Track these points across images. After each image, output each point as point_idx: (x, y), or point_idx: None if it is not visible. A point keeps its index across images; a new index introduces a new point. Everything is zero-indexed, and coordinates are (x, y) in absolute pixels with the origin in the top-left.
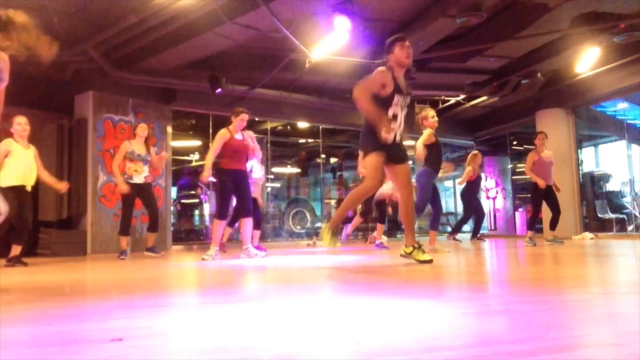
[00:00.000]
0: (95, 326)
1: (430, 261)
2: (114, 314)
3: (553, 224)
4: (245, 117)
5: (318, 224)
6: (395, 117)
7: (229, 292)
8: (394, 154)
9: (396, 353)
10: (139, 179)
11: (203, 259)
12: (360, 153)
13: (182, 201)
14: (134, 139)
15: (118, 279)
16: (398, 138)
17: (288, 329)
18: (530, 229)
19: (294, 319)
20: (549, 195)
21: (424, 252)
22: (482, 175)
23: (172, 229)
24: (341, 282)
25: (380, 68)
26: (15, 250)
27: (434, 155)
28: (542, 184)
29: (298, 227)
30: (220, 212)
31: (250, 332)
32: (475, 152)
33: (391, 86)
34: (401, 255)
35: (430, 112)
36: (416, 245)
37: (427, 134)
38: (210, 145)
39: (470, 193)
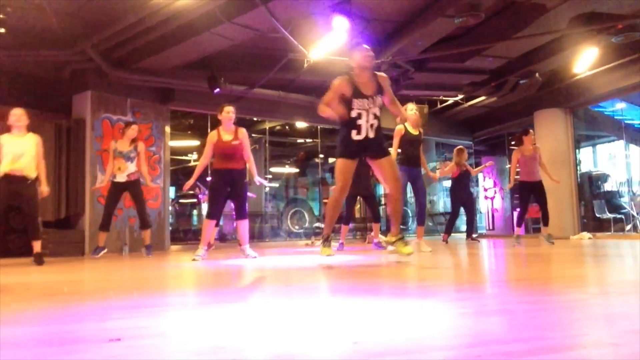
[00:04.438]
0: (93, 326)
1: (410, 254)
2: (112, 314)
3: (544, 220)
4: (228, 109)
5: (316, 224)
6: (359, 116)
7: (227, 292)
8: (372, 151)
9: (394, 353)
10: (121, 178)
11: (194, 260)
12: None
13: (180, 201)
14: (121, 138)
15: (116, 278)
16: (371, 135)
17: (286, 329)
18: (518, 225)
19: (292, 319)
20: (535, 191)
21: (406, 244)
22: (478, 173)
23: (170, 228)
24: (339, 282)
25: (338, 77)
26: (36, 246)
27: (405, 150)
28: (510, 185)
29: (296, 227)
30: (208, 212)
31: (248, 332)
32: (461, 147)
33: (349, 92)
34: (386, 242)
35: (409, 106)
36: (400, 236)
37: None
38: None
39: (456, 189)
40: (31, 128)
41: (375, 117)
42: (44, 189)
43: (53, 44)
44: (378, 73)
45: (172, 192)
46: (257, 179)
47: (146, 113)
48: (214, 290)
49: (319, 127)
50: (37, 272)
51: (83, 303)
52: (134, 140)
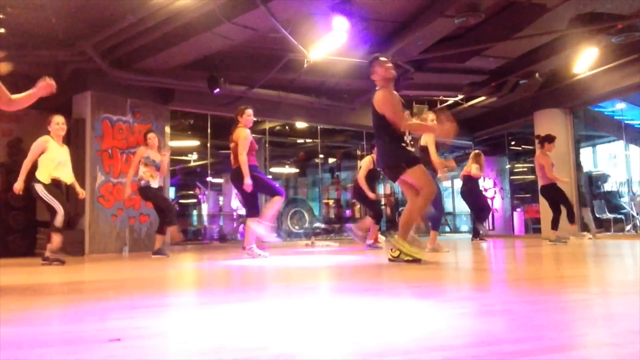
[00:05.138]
0: (93, 326)
1: (419, 260)
2: (112, 314)
3: (554, 224)
4: (251, 112)
5: (316, 224)
6: (405, 132)
7: (227, 292)
8: None
9: (395, 353)
10: (155, 184)
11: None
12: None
13: (180, 201)
14: (145, 145)
15: (116, 279)
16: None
17: (287, 329)
18: (555, 228)
19: (293, 319)
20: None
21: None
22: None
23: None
24: (339, 282)
25: (384, 91)
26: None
27: (427, 157)
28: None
29: (296, 227)
30: (254, 211)
31: (248, 332)
32: (478, 151)
33: (401, 104)
34: (389, 260)
35: (430, 116)
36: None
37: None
38: (207, 145)
39: (470, 190)
40: (31, 128)
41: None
42: (82, 191)
43: (53, 44)
44: None
45: (172, 192)
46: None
47: (146, 113)
48: (214, 290)
49: (319, 127)
50: (37, 272)
51: (83, 303)
52: (159, 149)
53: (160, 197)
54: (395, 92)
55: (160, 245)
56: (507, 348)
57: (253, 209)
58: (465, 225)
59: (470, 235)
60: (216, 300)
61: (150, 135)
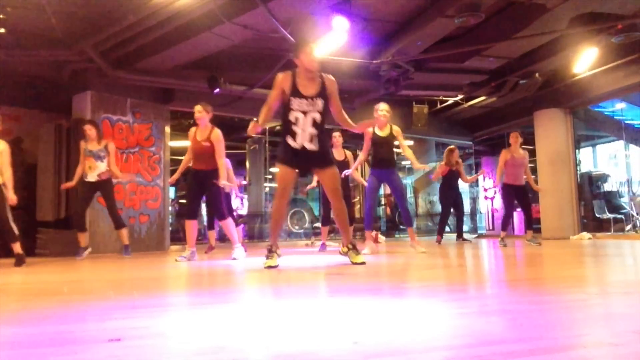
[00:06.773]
0: (93, 326)
1: (362, 263)
2: (112, 314)
3: (528, 224)
4: (196, 108)
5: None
6: (296, 120)
7: (227, 292)
8: (314, 164)
9: (394, 353)
10: (91, 177)
11: (176, 260)
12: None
13: (181, 201)
14: (83, 138)
15: (116, 279)
16: (312, 147)
17: (286, 329)
18: (503, 229)
19: (292, 319)
20: (518, 195)
21: (357, 253)
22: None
23: (170, 229)
24: (339, 282)
25: (284, 72)
26: (15, 248)
27: (374, 152)
28: (494, 184)
29: (296, 227)
30: (186, 212)
31: (248, 332)
32: (452, 147)
33: (288, 90)
34: (340, 254)
35: (381, 105)
36: (350, 246)
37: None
38: None
39: (445, 188)
40: (31, 128)
41: (316, 125)
42: (11, 196)
43: (53, 44)
44: (325, 75)
45: (172, 192)
46: (223, 183)
47: (146, 113)
48: (214, 290)
49: None
50: (37, 272)
51: (83, 303)
52: (102, 140)
53: (105, 193)
54: (297, 80)
55: (126, 240)
56: (506, 348)
57: (185, 210)
58: (465, 225)
59: (472, 236)
60: (216, 300)
61: (85, 127)
